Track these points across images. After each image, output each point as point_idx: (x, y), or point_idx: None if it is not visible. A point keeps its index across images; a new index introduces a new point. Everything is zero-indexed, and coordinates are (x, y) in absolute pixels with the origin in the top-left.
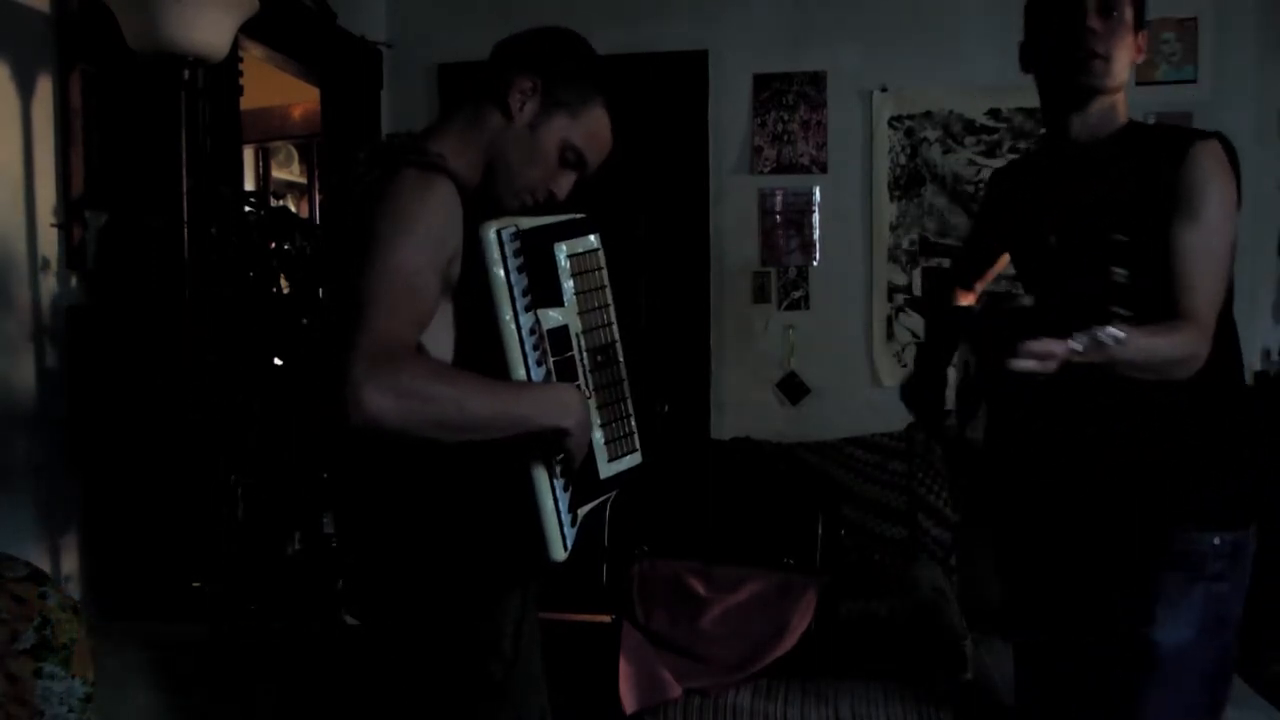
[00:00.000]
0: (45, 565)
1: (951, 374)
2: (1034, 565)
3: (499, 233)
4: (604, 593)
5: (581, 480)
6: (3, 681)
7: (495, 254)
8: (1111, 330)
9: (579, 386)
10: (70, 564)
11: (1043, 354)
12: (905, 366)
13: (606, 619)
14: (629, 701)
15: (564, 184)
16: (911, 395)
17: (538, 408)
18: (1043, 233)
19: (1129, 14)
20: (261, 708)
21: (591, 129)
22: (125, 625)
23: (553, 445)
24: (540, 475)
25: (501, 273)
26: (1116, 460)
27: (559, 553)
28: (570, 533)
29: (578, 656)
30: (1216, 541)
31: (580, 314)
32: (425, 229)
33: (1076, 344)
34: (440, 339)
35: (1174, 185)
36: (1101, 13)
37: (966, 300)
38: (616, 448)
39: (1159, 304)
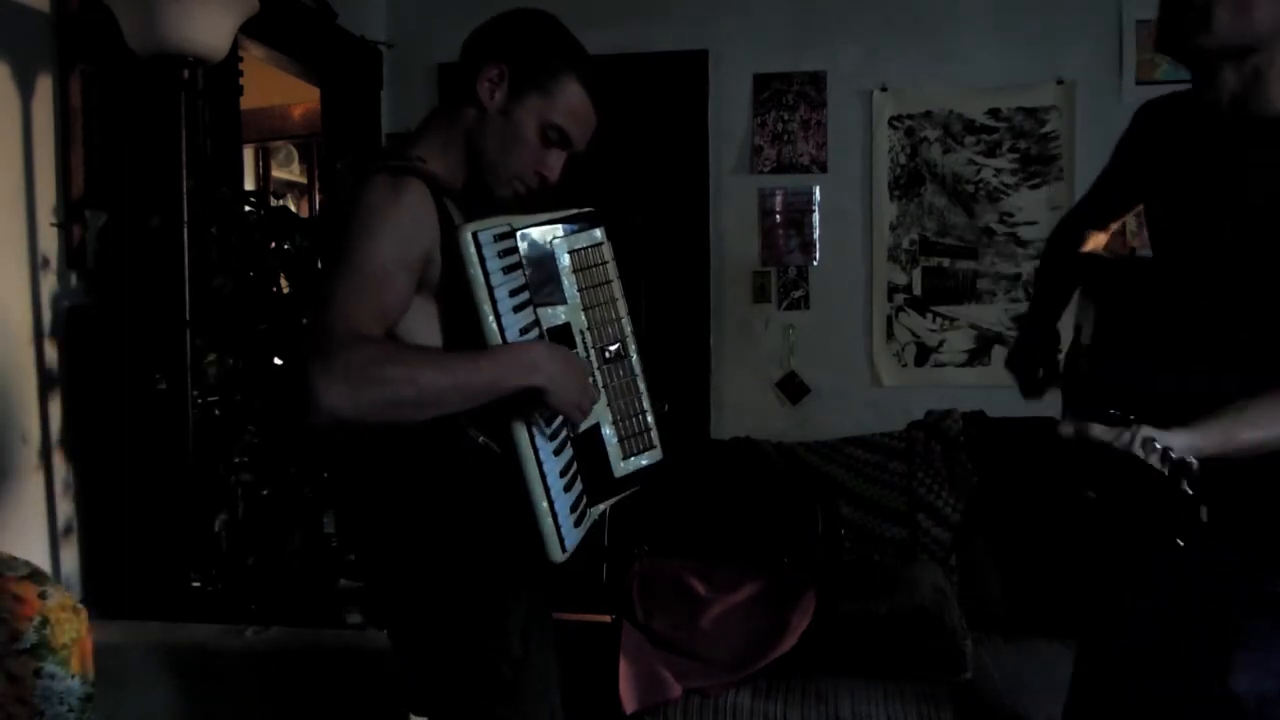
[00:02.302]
0: (45, 565)
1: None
2: (1108, 596)
3: (475, 234)
4: (604, 593)
5: (592, 478)
6: (3, 681)
7: (472, 255)
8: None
9: (576, 353)
10: (70, 564)
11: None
12: (905, 366)
13: (606, 619)
14: (629, 701)
15: (553, 164)
16: (1017, 357)
17: (501, 368)
18: (1208, 218)
19: None
20: (262, 708)
21: (568, 104)
22: (125, 625)
23: (538, 409)
24: (534, 477)
25: (480, 274)
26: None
27: (556, 554)
28: (572, 533)
29: (578, 656)
30: None
31: (585, 310)
32: (391, 229)
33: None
34: (428, 340)
35: None
36: None
37: (1098, 242)
38: (631, 445)
39: None
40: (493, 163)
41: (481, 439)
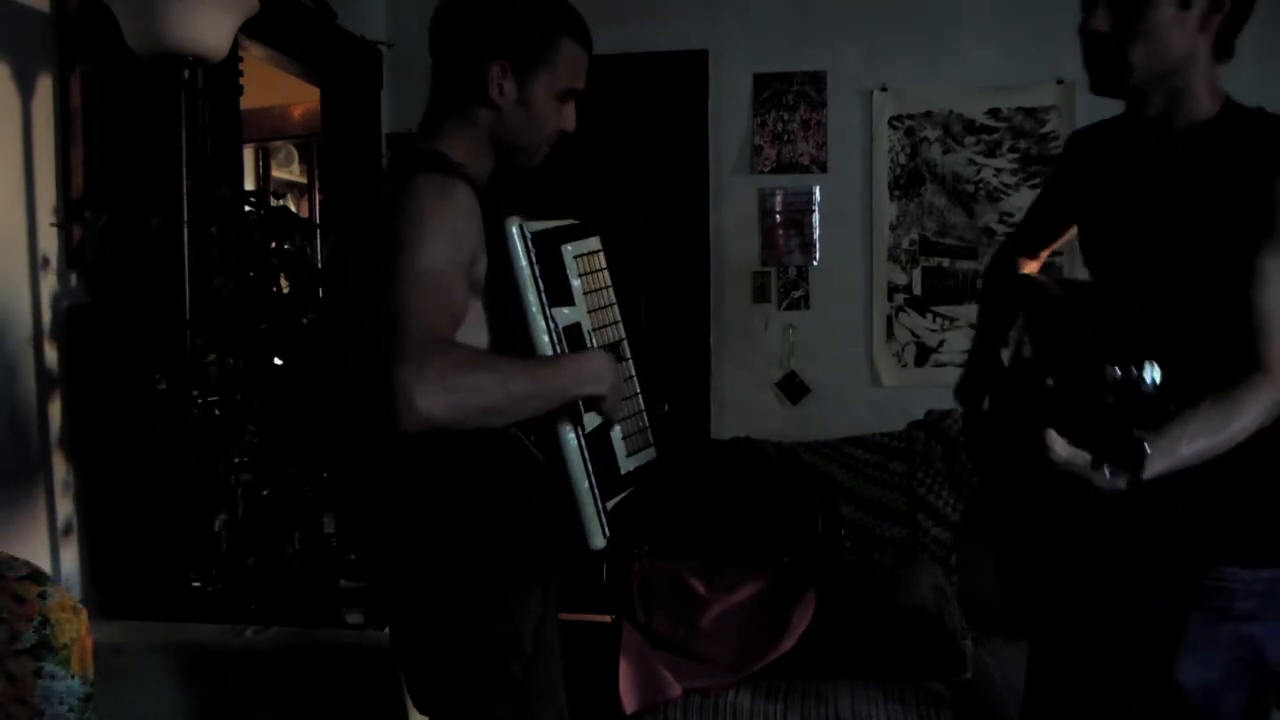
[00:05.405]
0: (45, 565)
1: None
2: (1052, 590)
3: (521, 226)
4: (604, 593)
5: (605, 475)
6: (3, 681)
7: (519, 247)
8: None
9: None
10: (70, 564)
11: (1061, 462)
12: (905, 366)
13: (606, 619)
14: (629, 701)
15: (569, 118)
16: (963, 389)
17: (574, 378)
18: (1141, 221)
19: None
20: (262, 708)
21: (570, 64)
22: (125, 625)
23: (584, 413)
24: (576, 463)
25: (526, 264)
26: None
27: (598, 540)
28: (606, 521)
29: (578, 656)
30: (1249, 578)
31: (590, 312)
32: (446, 230)
33: (1098, 478)
34: (474, 338)
35: (1264, 198)
36: (1111, 7)
37: (1030, 269)
38: (634, 442)
39: (1229, 344)
40: (525, 148)
41: (513, 430)
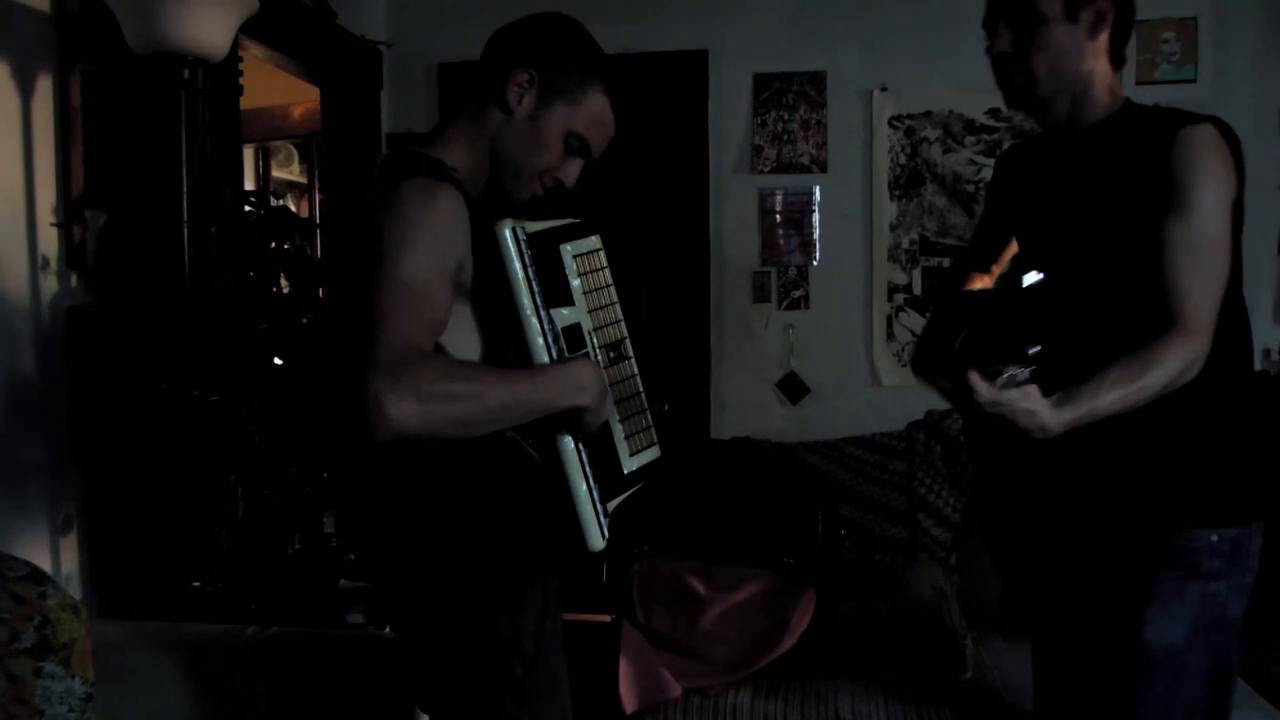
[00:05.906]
0: (45, 565)
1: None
2: (1029, 559)
3: (514, 229)
4: (604, 592)
5: (606, 475)
6: (3, 681)
7: (512, 250)
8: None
9: (593, 359)
10: (70, 564)
11: (987, 403)
12: (905, 366)
13: (606, 619)
14: (629, 701)
15: (571, 172)
16: (919, 365)
17: (556, 389)
18: (1061, 217)
19: (1045, 8)
20: (262, 707)
21: (593, 114)
22: (125, 625)
23: (573, 422)
24: (573, 464)
25: (519, 267)
26: (1109, 454)
27: (597, 542)
28: (605, 522)
29: (578, 656)
30: (1214, 538)
31: (590, 312)
32: (430, 237)
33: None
34: (465, 343)
35: (1161, 175)
36: (1011, 28)
37: (981, 284)
38: (637, 441)
39: (1149, 309)
40: (515, 166)
41: (510, 433)
